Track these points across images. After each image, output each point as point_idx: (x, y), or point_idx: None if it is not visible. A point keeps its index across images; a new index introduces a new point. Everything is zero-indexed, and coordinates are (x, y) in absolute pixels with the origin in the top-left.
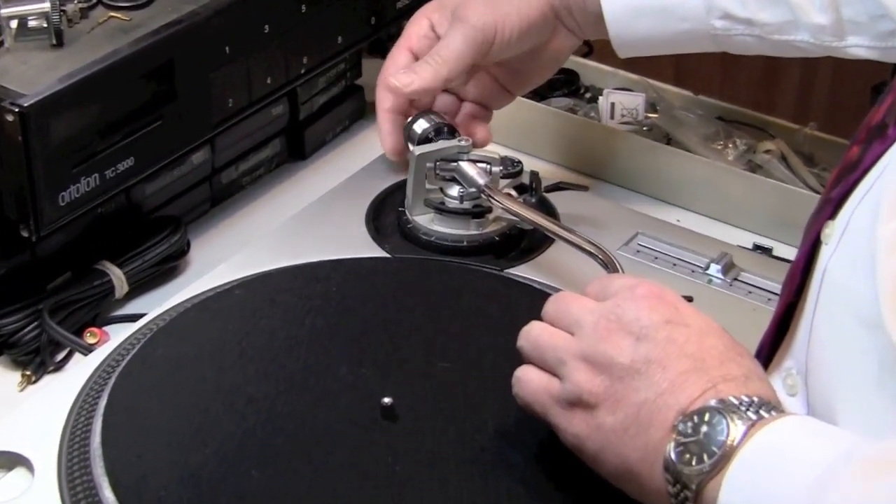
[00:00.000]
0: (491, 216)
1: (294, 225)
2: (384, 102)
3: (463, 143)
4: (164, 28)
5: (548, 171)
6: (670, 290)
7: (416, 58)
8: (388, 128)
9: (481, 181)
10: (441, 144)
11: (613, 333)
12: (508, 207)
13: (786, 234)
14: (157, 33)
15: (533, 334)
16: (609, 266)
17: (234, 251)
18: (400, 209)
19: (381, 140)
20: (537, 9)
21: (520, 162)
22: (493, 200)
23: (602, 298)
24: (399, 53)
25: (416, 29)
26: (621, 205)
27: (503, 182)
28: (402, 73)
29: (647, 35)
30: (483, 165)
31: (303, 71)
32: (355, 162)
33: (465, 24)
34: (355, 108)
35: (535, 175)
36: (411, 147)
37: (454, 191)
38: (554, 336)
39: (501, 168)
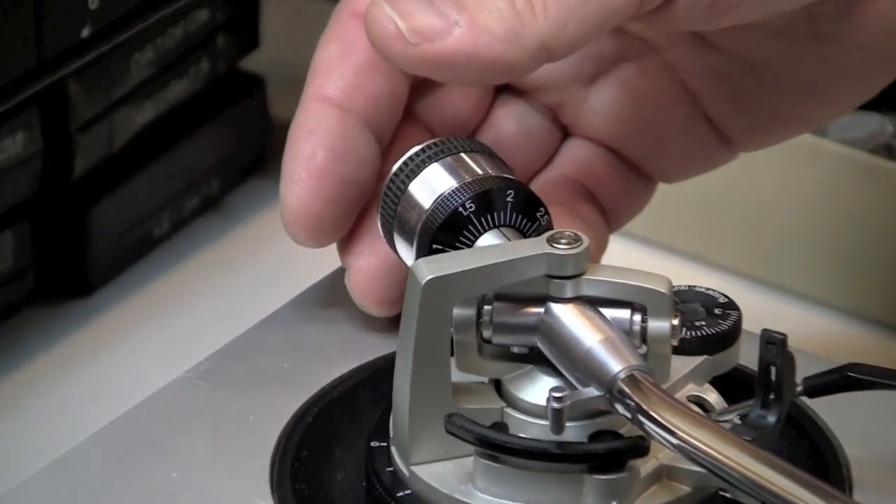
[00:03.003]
0: (645, 466)
1: (61, 478)
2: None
3: (563, 246)
4: None
5: (815, 334)
6: None
7: None
8: (312, 187)
9: (617, 365)
10: (494, 251)
11: None
12: (695, 445)
13: None
14: None
15: None
16: None
17: None
18: (374, 444)
19: (285, 211)
20: None
21: (733, 306)
22: (649, 424)
23: None
24: None
25: None
26: None
27: (682, 366)
28: None
29: None
30: (622, 315)
31: (86, 33)
32: (245, 300)
33: None
34: (241, 139)
35: (778, 347)
36: (403, 254)
37: (535, 392)
38: None
39: (678, 323)
